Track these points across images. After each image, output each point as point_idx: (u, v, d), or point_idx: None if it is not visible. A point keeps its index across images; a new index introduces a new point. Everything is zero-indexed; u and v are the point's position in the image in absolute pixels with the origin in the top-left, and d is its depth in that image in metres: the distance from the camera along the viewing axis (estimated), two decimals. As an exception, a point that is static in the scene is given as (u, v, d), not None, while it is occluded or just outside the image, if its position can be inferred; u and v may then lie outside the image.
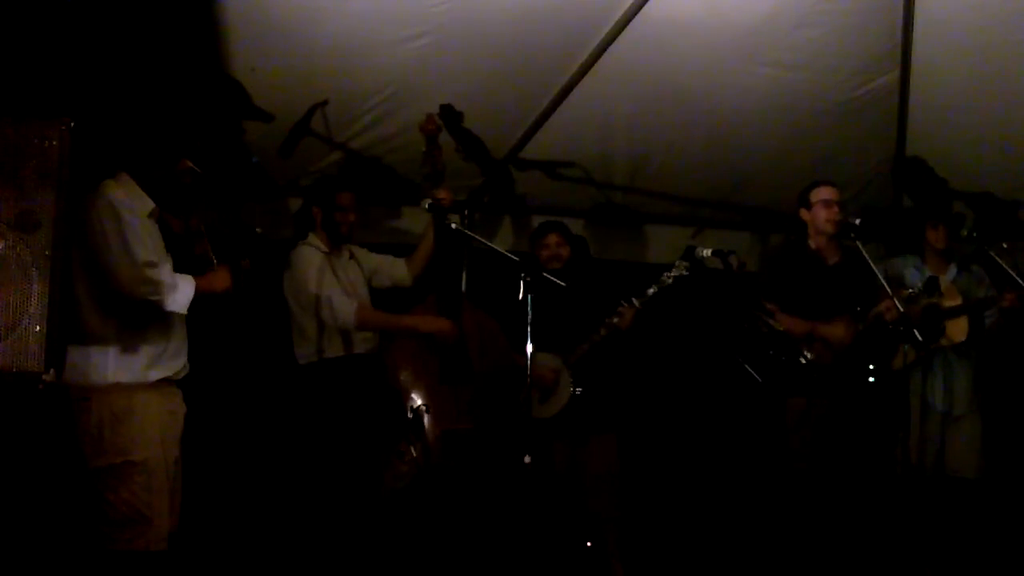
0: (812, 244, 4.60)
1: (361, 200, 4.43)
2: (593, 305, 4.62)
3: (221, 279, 3.37)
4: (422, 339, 4.13)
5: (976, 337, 4.71)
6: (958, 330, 4.69)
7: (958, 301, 4.70)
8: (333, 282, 4.16)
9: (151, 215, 3.29)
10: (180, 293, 3.22)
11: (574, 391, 4.54)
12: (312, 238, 4.29)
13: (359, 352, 4.20)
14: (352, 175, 4.59)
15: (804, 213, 4.59)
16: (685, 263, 4.44)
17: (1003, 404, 5.00)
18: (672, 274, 4.48)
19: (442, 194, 4.14)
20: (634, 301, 4.54)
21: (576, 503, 4.56)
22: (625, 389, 4.79)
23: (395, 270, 4.53)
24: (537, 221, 5.31)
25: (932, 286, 4.41)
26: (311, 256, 4.20)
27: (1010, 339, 4.87)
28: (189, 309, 3.26)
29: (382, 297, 4.47)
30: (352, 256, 4.41)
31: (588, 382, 4.59)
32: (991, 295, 4.68)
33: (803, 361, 4.32)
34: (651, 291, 4.52)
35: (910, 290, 4.37)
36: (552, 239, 4.76)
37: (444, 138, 4.32)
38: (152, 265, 3.18)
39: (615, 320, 4.54)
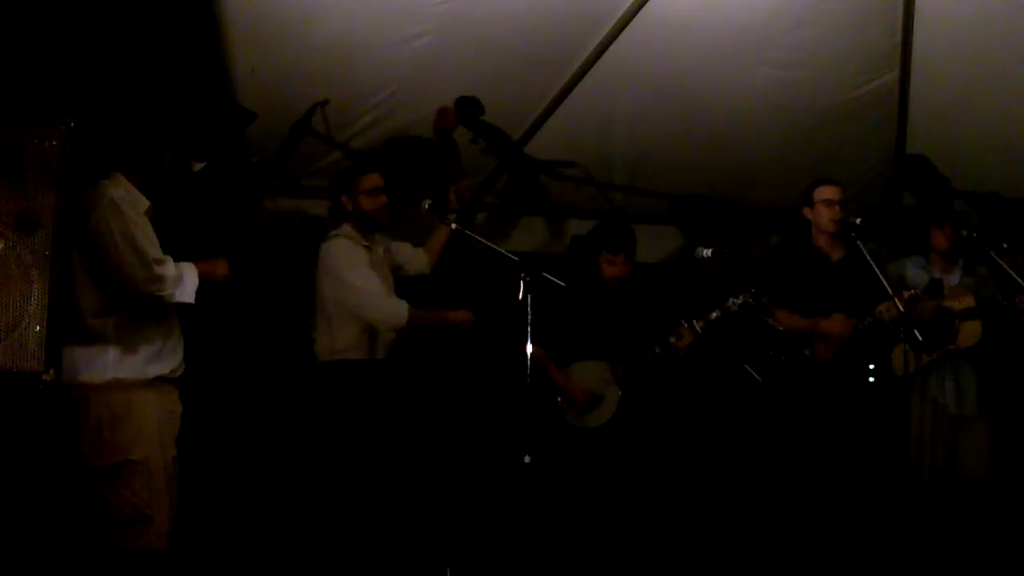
0: (816, 242, 4.60)
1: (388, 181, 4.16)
2: (645, 319, 4.50)
3: (221, 266, 3.38)
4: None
5: (989, 341, 4.65)
6: (970, 333, 4.63)
7: (971, 303, 4.63)
8: (375, 280, 3.98)
9: (146, 213, 3.29)
10: (186, 283, 3.24)
11: (621, 402, 4.43)
12: (347, 229, 4.06)
13: (380, 357, 4.06)
14: (378, 156, 4.45)
15: (807, 211, 4.59)
16: (753, 290, 4.27)
17: (1008, 406, 4.97)
18: (738, 301, 4.28)
19: (455, 199, 4.14)
20: (695, 324, 4.35)
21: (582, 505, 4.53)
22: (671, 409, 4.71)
23: (417, 260, 4.40)
24: (537, 221, 5.31)
25: (935, 289, 4.37)
26: (349, 249, 4.00)
27: (1015, 342, 4.84)
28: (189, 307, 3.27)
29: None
30: (387, 250, 4.24)
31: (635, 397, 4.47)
32: (1009, 303, 4.57)
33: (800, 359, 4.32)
34: (713, 315, 4.33)
35: (911, 291, 4.35)
36: (621, 258, 4.52)
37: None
38: (160, 261, 3.19)
39: (672, 340, 4.38)
